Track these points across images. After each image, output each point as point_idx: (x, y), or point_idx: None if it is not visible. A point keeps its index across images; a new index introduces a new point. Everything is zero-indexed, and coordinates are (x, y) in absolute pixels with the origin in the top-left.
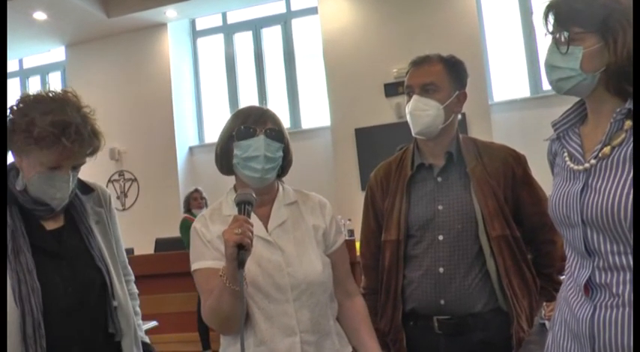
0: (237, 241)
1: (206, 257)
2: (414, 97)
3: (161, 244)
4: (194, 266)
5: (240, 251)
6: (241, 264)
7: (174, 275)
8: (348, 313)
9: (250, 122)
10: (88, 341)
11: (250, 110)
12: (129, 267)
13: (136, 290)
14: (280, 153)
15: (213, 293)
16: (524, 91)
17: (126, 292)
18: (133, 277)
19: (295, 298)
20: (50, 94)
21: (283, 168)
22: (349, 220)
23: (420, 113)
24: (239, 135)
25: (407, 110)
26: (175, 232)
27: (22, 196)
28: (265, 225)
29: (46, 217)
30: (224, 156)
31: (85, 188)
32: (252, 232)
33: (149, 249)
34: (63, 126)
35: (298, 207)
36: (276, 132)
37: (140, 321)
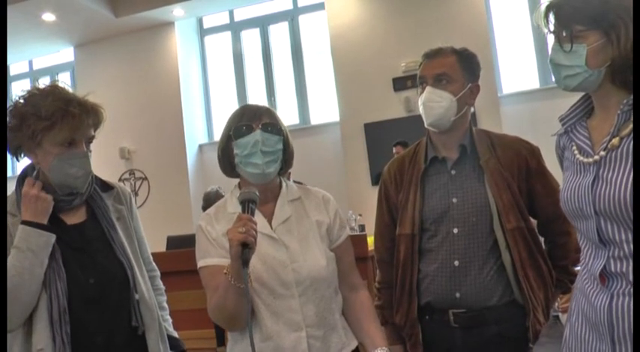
0: (241, 240)
1: (211, 254)
2: (427, 88)
3: (173, 242)
4: (200, 263)
5: (244, 249)
6: (245, 262)
7: (187, 272)
8: (353, 305)
9: (245, 119)
10: (111, 333)
11: (245, 108)
12: (154, 264)
13: (162, 286)
14: (280, 146)
15: (219, 290)
16: (533, 83)
17: (149, 287)
18: (158, 273)
19: (300, 293)
20: (41, 86)
21: (285, 162)
22: (360, 215)
23: (433, 104)
24: (236, 133)
25: (420, 101)
26: (186, 230)
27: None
28: (269, 221)
29: (67, 211)
30: (225, 157)
31: (105, 186)
32: (255, 230)
33: (161, 247)
34: (65, 100)
35: (302, 203)
36: (272, 126)
37: (168, 316)
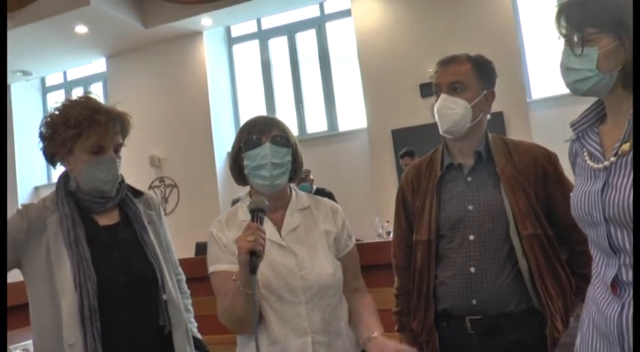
0: (249, 248)
1: (222, 260)
2: (442, 96)
3: (201, 248)
4: (210, 269)
5: (252, 257)
6: (253, 269)
7: None
8: (355, 305)
9: (256, 132)
10: (139, 331)
11: (256, 120)
12: (180, 268)
13: (187, 290)
14: (289, 158)
15: (228, 295)
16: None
17: (177, 288)
18: (184, 277)
19: (307, 300)
20: (74, 97)
21: (294, 172)
22: (387, 222)
23: (448, 111)
24: (246, 145)
25: (435, 108)
26: None
27: (80, 195)
28: (279, 230)
29: (100, 212)
30: (236, 167)
31: (136, 192)
32: (264, 239)
33: (189, 253)
34: (93, 109)
35: (311, 212)
36: (282, 138)
37: (192, 319)
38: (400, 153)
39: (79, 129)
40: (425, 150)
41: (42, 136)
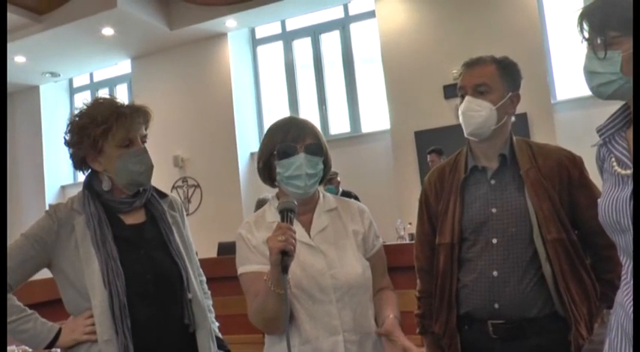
0: (280, 248)
1: (251, 261)
2: (467, 98)
3: (224, 248)
4: (240, 270)
5: (283, 257)
6: (285, 269)
7: (238, 278)
8: (378, 298)
9: (290, 139)
10: (165, 328)
11: (289, 125)
12: (201, 269)
13: (208, 291)
14: (321, 166)
15: (259, 296)
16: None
17: (200, 288)
18: (204, 278)
19: (338, 299)
20: (91, 101)
21: (323, 176)
22: (410, 224)
23: (473, 114)
24: (280, 154)
25: (459, 111)
26: None
27: (107, 195)
28: (308, 231)
29: (126, 212)
30: (266, 170)
31: (160, 194)
32: (295, 239)
33: (212, 253)
34: (116, 105)
35: (338, 213)
36: (315, 146)
37: (214, 318)
38: (429, 150)
39: (107, 124)
40: (448, 152)
41: (69, 143)
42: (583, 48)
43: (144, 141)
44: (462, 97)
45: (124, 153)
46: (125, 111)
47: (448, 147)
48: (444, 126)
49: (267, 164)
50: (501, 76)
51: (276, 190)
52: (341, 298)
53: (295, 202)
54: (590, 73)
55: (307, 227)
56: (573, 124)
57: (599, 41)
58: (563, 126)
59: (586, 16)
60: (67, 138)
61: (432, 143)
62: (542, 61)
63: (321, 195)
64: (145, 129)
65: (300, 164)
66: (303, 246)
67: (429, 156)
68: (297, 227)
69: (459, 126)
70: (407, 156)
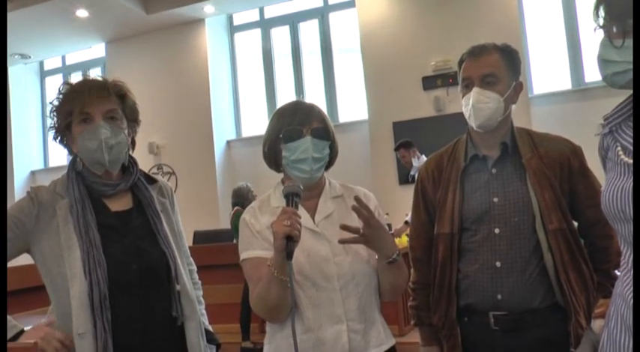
0: (286, 233)
1: (255, 246)
2: (475, 90)
3: (199, 236)
4: (243, 255)
5: (288, 242)
6: (289, 254)
7: (214, 266)
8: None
9: (296, 122)
10: (150, 321)
11: (296, 109)
12: (191, 258)
13: (199, 281)
14: (327, 151)
15: (261, 282)
16: (565, 84)
17: (190, 279)
18: (195, 267)
19: (342, 287)
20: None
21: (330, 160)
22: (387, 214)
23: (482, 106)
24: (286, 137)
25: (467, 103)
26: (213, 225)
27: (91, 177)
28: (312, 216)
29: (111, 197)
30: (272, 155)
31: (149, 179)
32: (300, 224)
33: (187, 241)
34: (82, 82)
35: (344, 200)
36: (322, 130)
37: (204, 310)
38: (395, 146)
39: (68, 97)
40: (425, 143)
41: (52, 127)
42: (561, 43)
43: (114, 117)
44: (468, 88)
45: (82, 131)
46: (77, 87)
47: (426, 139)
48: (422, 118)
49: (272, 148)
50: (506, 65)
51: (281, 175)
52: (345, 286)
53: (301, 186)
54: (604, 61)
55: (312, 212)
56: (549, 118)
57: (615, 29)
58: (539, 120)
59: (603, 2)
60: (50, 122)
61: (410, 134)
62: (521, 54)
63: (327, 182)
64: (120, 104)
65: (307, 147)
66: (308, 232)
67: (397, 152)
68: (301, 212)
69: (436, 117)
70: (384, 147)
